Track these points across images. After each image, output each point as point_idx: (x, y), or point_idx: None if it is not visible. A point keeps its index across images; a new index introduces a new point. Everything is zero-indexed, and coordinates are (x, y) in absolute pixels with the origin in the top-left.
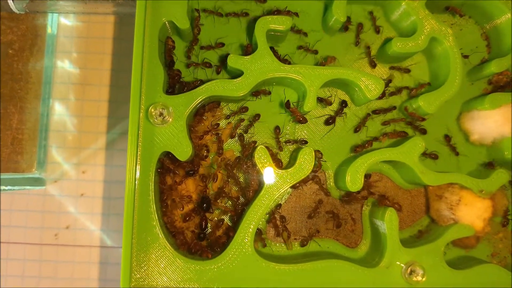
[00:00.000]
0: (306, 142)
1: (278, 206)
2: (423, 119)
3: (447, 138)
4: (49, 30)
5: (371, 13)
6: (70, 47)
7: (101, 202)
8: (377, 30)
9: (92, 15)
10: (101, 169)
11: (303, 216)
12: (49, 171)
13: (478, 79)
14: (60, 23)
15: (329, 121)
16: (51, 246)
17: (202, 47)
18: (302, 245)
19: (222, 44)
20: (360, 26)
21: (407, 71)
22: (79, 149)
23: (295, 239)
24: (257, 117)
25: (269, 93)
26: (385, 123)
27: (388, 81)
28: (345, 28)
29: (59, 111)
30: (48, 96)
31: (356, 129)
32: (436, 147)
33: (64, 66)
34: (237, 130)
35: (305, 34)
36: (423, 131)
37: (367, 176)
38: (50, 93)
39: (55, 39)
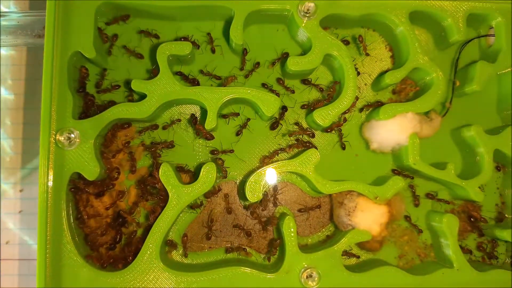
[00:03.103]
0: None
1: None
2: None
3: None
4: None
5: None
6: (5, 75)
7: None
8: (273, 63)
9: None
10: (37, 187)
11: (219, 225)
12: None
13: (381, 89)
14: None
15: (274, 125)
16: None
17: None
18: (227, 251)
19: (118, 86)
20: (245, 50)
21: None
22: (16, 170)
23: (210, 247)
24: (170, 145)
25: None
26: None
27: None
28: (244, 53)
29: None
30: None
31: (274, 126)
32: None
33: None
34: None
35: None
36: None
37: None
38: None
39: None
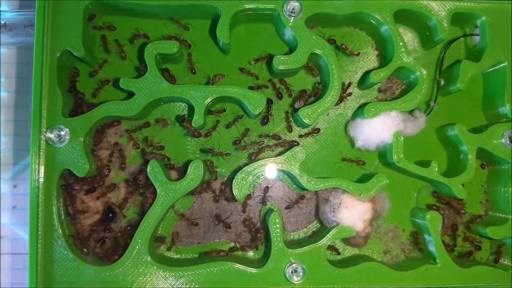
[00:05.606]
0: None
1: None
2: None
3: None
4: None
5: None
6: None
7: None
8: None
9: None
10: None
11: (208, 221)
12: None
13: (366, 88)
14: None
15: (264, 120)
16: None
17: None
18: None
19: (108, 81)
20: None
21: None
22: (10, 166)
23: (199, 243)
24: (159, 147)
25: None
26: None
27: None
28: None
29: None
30: None
31: (264, 121)
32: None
33: None
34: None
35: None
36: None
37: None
38: None
39: None
